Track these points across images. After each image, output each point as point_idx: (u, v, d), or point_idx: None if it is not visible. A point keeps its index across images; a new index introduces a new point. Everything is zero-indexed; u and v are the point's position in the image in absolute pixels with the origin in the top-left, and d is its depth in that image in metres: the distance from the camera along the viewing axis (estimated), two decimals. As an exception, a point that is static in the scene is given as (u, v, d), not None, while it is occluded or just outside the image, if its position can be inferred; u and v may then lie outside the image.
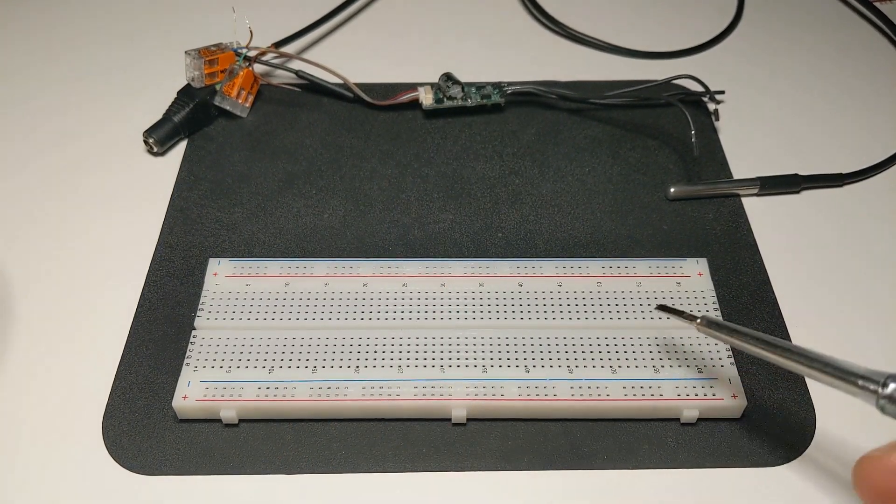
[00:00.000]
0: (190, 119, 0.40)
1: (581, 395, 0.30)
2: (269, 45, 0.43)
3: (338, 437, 0.30)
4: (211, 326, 0.32)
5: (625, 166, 0.40)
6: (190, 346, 0.31)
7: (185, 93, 0.41)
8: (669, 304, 0.32)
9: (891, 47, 0.48)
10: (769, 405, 0.31)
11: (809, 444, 0.30)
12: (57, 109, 0.43)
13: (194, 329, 0.32)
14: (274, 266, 0.34)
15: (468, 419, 0.30)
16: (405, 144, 0.41)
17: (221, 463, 0.29)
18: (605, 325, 0.32)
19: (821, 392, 0.31)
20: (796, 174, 0.39)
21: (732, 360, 0.31)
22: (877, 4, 0.49)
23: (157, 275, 0.35)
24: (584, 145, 0.41)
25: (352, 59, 0.45)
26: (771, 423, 0.30)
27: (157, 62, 0.45)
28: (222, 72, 0.41)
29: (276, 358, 0.31)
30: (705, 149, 0.41)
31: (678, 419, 0.30)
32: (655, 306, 0.32)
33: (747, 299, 0.34)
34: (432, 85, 0.42)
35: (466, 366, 0.31)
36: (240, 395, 0.30)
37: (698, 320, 0.29)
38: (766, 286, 0.35)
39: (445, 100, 0.42)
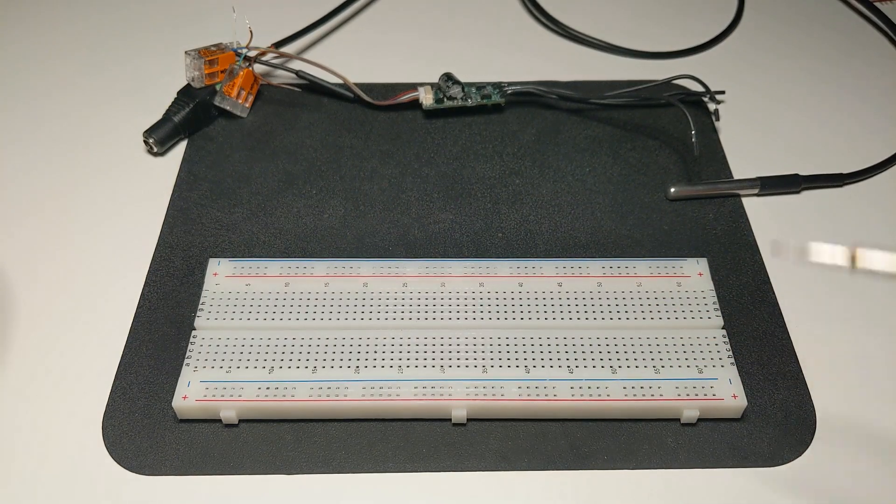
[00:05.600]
0: (190, 119, 0.40)
1: (581, 395, 0.30)
2: (269, 45, 0.43)
3: (338, 437, 0.30)
4: (211, 326, 0.32)
5: (625, 166, 0.40)
6: (190, 346, 0.31)
7: (185, 93, 0.41)
8: (677, 301, 0.32)
9: (891, 47, 0.47)
10: (769, 405, 0.31)
11: (809, 444, 0.30)
12: (57, 110, 0.43)
13: (194, 329, 0.32)
14: (274, 266, 0.34)
15: (468, 419, 0.30)
16: (405, 144, 0.41)
17: (221, 463, 0.29)
18: (605, 325, 0.32)
19: (821, 392, 0.31)
20: (796, 174, 0.39)
21: (732, 360, 0.31)
22: (877, 4, 0.49)
23: (157, 275, 0.35)
24: (584, 145, 0.41)
25: (352, 59, 0.45)
26: (771, 423, 0.30)
27: (157, 62, 0.45)
28: (222, 72, 0.41)
29: (276, 358, 0.31)
30: (705, 149, 0.41)
31: (678, 419, 0.30)
32: None
33: (747, 299, 0.34)
34: (432, 85, 0.42)
35: (466, 366, 0.31)
36: (240, 396, 0.30)
37: None
38: (766, 286, 0.35)
39: (445, 100, 0.42)
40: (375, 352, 0.31)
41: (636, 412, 0.30)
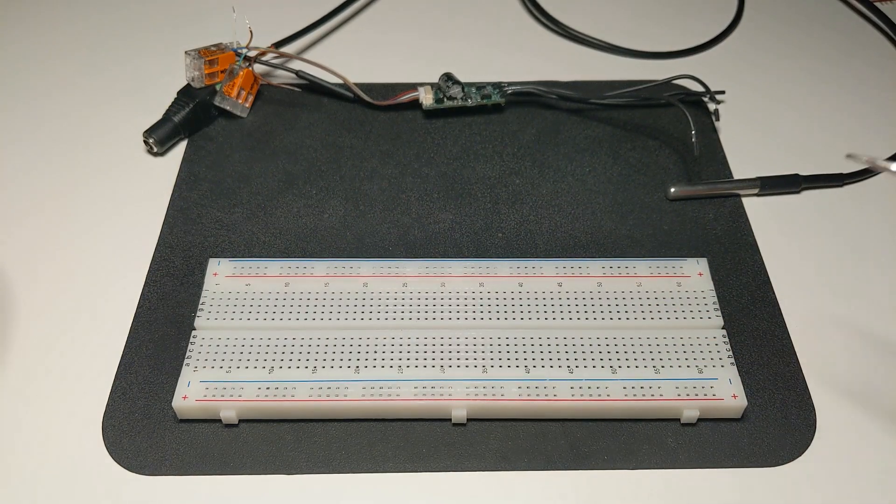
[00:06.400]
0: (190, 119, 0.40)
1: (581, 395, 0.30)
2: (269, 45, 0.43)
3: (338, 437, 0.30)
4: (211, 326, 0.32)
5: (625, 166, 0.40)
6: (190, 346, 0.31)
7: (185, 93, 0.41)
8: (677, 301, 0.33)
9: (891, 47, 0.47)
10: (769, 405, 0.31)
11: (809, 444, 0.30)
12: (57, 110, 0.43)
13: (194, 329, 0.32)
14: (274, 266, 0.34)
15: (468, 419, 0.30)
16: (405, 144, 0.41)
17: (221, 463, 0.29)
18: (605, 325, 0.32)
19: (821, 392, 0.31)
20: (796, 174, 0.39)
21: (732, 360, 0.31)
22: (877, 4, 0.49)
23: (157, 275, 0.35)
24: (584, 145, 0.41)
25: (352, 59, 0.45)
26: (771, 423, 0.30)
27: (157, 62, 0.45)
28: (222, 72, 0.41)
29: (276, 358, 0.31)
30: (705, 149, 0.41)
31: (678, 419, 0.30)
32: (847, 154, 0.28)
33: (747, 299, 0.34)
34: (432, 85, 0.42)
35: (466, 366, 0.31)
36: (240, 396, 0.30)
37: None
38: (766, 286, 0.35)
39: (445, 100, 0.42)
40: (375, 352, 0.31)
41: (636, 412, 0.30)
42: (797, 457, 0.29)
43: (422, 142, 0.41)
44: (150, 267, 0.35)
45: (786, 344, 0.33)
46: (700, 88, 0.41)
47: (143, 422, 0.30)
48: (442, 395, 0.30)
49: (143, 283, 0.34)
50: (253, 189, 0.39)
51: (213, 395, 0.30)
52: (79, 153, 0.40)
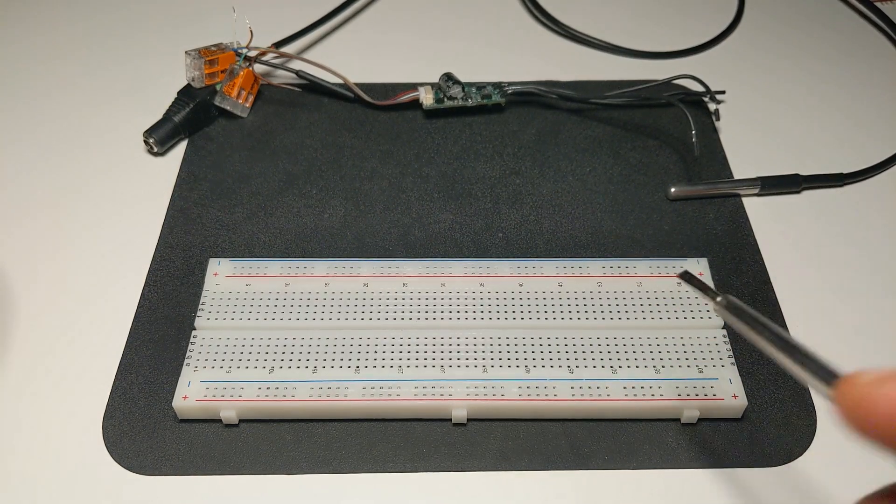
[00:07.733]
0: (190, 119, 0.40)
1: (581, 395, 0.30)
2: (270, 45, 0.43)
3: (338, 437, 0.30)
4: (211, 326, 0.32)
5: (625, 166, 0.40)
6: (190, 346, 0.31)
7: (186, 93, 0.41)
8: (677, 301, 0.32)
9: (891, 47, 0.47)
10: (769, 405, 0.31)
11: (809, 444, 0.30)
12: (57, 110, 0.43)
13: (194, 329, 0.32)
14: (274, 266, 0.34)
15: (468, 419, 0.30)
16: (405, 144, 0.41)
17: (221, 463, 0.29)
18: (605, 325, 0.32)
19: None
20: (797, 174, 0.39)
21: (733, 360, 0.31)
22: (877, 4, 0.49)
23: (157, 275, 0.35)
24: (585, 145, 0.41)
25: (352, 59, 0.45)
26: (771, 423, 0.30)
27: (157, 62, 0.45)
28: (222, 72, 0.41)
29: (276, 358, 0.31)
30: (706, 149, 0.41)
31: (678, 419, 0.30)
32: (679, 273, 0.28)
33: (748, 299, 0.34)
34: (432, 85, 0.42)
35: (467, 366, 0.31)
36: (240, 396, 0.30)
37: (719, 299, 0.26)
38: (767, 286, 0.35)
39: (446, 100, 0.42)
40: (375, 352, 0.31)
41: (636, 412, 0.30)
42: (797, 457, 0.30)
43: (422, 142, 0.41)
44: (150, 267, 0.35)
45: (786, 344, 0.33)
46: (700, 88, 0.41)
47: (144, 422, 0.30)
48: (442, 395, 0.30)
49: (143, 283, 0.34)
50: (253, 189, 0.39)
51: (214, 395, 0.30)
52: (79, 153, 0.40)
